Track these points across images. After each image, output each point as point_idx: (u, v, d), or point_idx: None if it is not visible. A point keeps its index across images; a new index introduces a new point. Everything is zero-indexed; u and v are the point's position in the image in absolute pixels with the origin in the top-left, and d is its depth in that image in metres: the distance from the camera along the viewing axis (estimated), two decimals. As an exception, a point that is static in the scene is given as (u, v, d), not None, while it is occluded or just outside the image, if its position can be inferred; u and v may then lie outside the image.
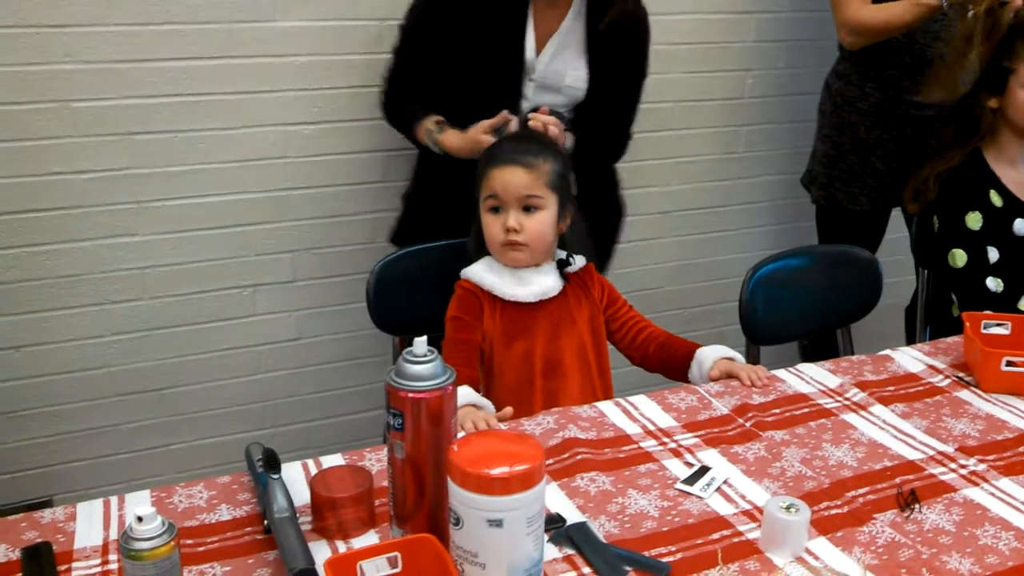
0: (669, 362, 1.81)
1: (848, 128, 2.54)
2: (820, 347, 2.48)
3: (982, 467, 1.42)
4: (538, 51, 2.04)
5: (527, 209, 1.70)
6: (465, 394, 1.57)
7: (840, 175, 2.57)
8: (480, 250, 1.78)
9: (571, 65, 2.05)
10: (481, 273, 1.75)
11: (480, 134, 1.88)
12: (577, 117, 2.09)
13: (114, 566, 1.16)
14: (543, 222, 1.71)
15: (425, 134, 2.02)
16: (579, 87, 2.06)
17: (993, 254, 2.18)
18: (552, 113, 1.88)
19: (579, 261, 1.80)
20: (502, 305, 1.73)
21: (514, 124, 1.88)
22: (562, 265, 1.78)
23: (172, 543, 0.99)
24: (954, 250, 2.19)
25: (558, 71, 2.04)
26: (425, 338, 1.13)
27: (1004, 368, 1.65)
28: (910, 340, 2.73)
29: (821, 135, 2.64)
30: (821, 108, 2.64)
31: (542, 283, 1.74)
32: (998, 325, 1.79)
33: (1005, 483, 1.38)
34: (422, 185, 2.24)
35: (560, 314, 1.76)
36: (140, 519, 0.98)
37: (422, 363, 1.12)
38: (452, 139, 1.97)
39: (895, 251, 2.80)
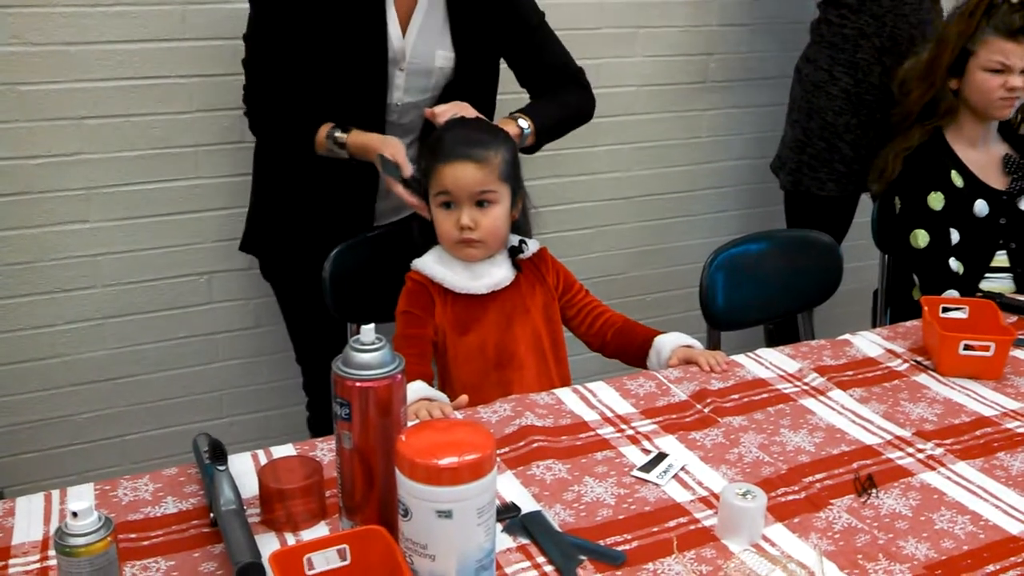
0: (628, 348, 1.79)
1: (817, 113, 2.53)
2: (786, 331, 2.48)
3: (939, 451, 1.42)
4: (402, 34, 1.88)
5: (480, 204, 1.65)
6: (418, 389, 1.54)
7: (808, 160, 2.57)
8: (426, 235, 1.74)
9: (438, 44, 1.92)
10: (432, 265, 1.70)
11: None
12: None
13: (53, 562, 1.12)
14: (497, 217, 1.67)
15: (326, 139, 1.85)
16: (447, 66, 1.93)
17: (954, 236, 2.19)
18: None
19: (532, 246, 1.77)
20: (453, 297, 1.70)
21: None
22: (514, 252, 1.74)
23: (109, 539, 0.96)
24: (916, 231, 2.20)
25: (426, 52, 1.91)
26: (373, 326, 1.10)
27: (962, 352, 1.65)
28: (876, 323, 2.74)
29: (790, 120, 2.64)
30: (791, 93, 2.64)
31: (494, 274, 1.70)
32: (956, 309, 1.79)
33: (962, 467, 1.38)
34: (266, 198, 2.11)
35: (513, 304, 1.73)
36: (75, 514, 0.94)
37: (370, 351, 1.09)
38: (361, 137, 1.83)
39: (859, 235, 2.80)
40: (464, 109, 1.78)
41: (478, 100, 1.89)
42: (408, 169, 1.75)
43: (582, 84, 2.04)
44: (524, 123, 1.85)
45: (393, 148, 1.77)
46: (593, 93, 2.06)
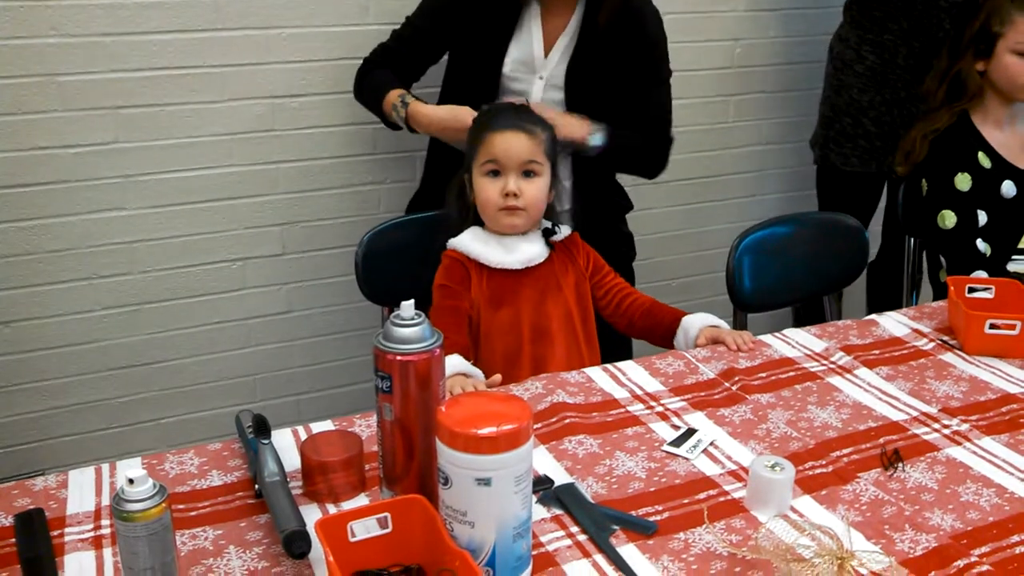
0: (655, 329, 1.82)
1: (843, 90, 2.60)
2: (814, 313, 2.50)
3: (965, 427, 1.44)
4: (547, 51, 2.05)
5: (526, 175, 1.71)
6: (455, 363, 1.57)
7: (835, 136, 2.63)
8: (462, 218, 1.79)
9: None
10: (467, 243, 1.75)
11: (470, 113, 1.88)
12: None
13: (106, 531, 1.17)
14: (541, 189, 1.73)
15: (392, 108, 2.02)
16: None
17: (982, 217, 2.20)
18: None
19: (564, 230, 1.81)
20: (488, 272, 1.74)
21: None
22: (547, 234, 1.78)
23: (163, 505, 1.00)
24: (943, 211, 2.21)
25: (565, 71, 2.05)
26: (412, 301, 1.14)
27: (987, 331, 1.67)
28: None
29: (823, 97, 2.70)
30: (825, 71, 2.70)
31: (528, 250, 1.74)
32: (983, 289, 1.80)
33: (987, 442, 1.40)
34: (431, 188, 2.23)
35: (546, 280, 1.77)
36: (131, 481, 0.98)
37: (410, 326, 1.13)
38: (430, 110, 1.97)
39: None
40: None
41: (633, 125, 2.08)
42: None
43: (661, 145, 2.14)
44: (598, 126, 1.96)
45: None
46: (666, 162, 2.18)
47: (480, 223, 1.77)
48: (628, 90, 2.07)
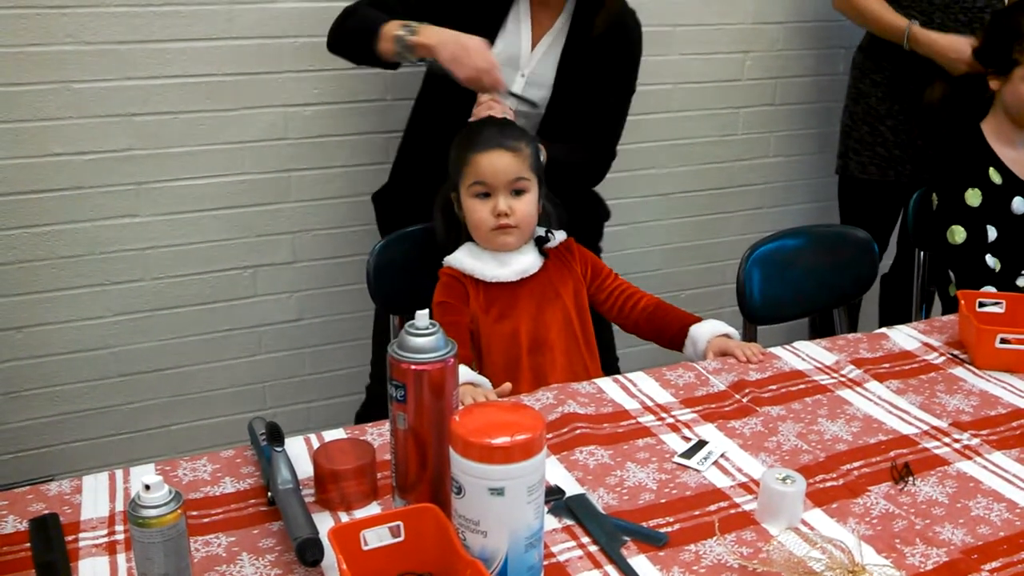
0: (662, 334, 1.83)
1: (862, 98, 2.63)
2: (830, 325, 2.51)
3: (975, 441, 1.44)
4: (532, 48, 2.04)
5: (515, 193, 1.71)
6: (462, 373, 1.58)
7: (853, 144, 2.66)
8: (450, 234, 1.80)
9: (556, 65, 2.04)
10: (463, 259, 1.76)
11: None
12: (550, 127, 2.03)
13: (120, 536, 1.18)
14: (531, 204, 1.73)
15: (395, 40, 1.85)
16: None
17: (991, 232, 2.20)
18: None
19: (559, 236, 1.83)
20: (485, 287, 1.75)
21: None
22: (541, 242, 1.80)
23: (179, 511, 1.00)
24: (953, 226, 2.21)
25: (546, 69, 2.04)
26: (427, 311, 1.14)
27: (998, 345, 1.67)
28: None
29: (844, 106, 2.73)
30: (849, 82, 2.72)
31: (521, 262, 1.76)
32: (994, 304, 1.80)
33: (998, 457, 1.40)
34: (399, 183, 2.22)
35: (543, 290, 1.79)
36: (148, 487, 0.99)
37: (424, 336, 1.13)
38: (436, 33, 1.84)
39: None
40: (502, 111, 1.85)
41: (587, 136, 2.04)
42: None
43: (604, 159, 2.10)
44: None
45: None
46: (604, 176, 2.13)
47: (472, 239, 1.79)
48: (598, 98, 2.05)
